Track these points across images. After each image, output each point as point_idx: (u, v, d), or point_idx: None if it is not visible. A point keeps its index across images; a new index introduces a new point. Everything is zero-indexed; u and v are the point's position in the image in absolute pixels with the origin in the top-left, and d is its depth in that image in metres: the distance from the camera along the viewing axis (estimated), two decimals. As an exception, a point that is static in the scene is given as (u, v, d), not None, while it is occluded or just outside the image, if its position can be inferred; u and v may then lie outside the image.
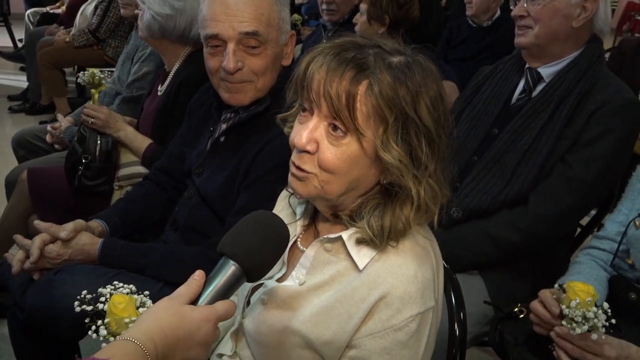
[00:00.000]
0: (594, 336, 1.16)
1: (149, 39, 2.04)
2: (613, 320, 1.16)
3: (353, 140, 0.88)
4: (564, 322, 1.18)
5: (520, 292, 1.57)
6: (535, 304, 1.28)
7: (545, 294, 1.26)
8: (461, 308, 1.23)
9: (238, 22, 1.34)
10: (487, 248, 1.56)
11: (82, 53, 4.16)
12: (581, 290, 1.16)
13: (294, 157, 0.93)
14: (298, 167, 0.92)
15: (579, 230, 1.89)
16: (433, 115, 0.88)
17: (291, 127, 0.97)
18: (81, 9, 4.24)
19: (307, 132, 0.89)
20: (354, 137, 0.88)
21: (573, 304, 1.15)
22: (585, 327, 1.15)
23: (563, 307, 1.17)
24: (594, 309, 1.15)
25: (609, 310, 1.16)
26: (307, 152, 0.90)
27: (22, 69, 5.48)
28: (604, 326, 1.15)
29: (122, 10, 2.81)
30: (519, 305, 1.39)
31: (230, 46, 1.35)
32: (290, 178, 0.95)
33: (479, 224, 1.58)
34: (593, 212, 1.90)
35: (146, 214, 1.66)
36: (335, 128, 0.88)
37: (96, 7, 4.11)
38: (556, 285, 1.27)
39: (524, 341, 1.33)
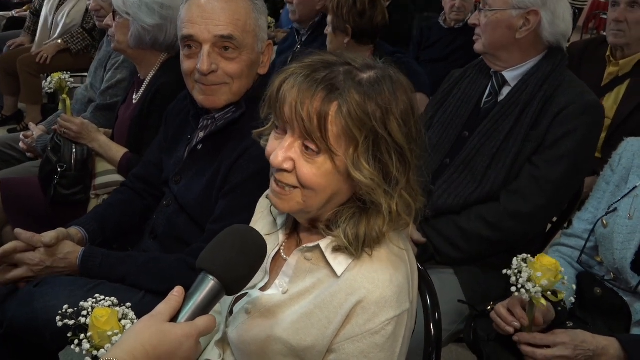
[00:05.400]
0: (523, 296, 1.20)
1: (129, 49, 2.00)
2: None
3: (327, 159, 0.90)
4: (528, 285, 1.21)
5: (494, 288, 1.61)
6: (500, 308, 1.33)
7: (515, 307, 1.31)
8: (436, 308, 1.26)
9: (214, 25, 1.37)
10: (457, 240, 1.61)
11: (76, 57, 4.03)
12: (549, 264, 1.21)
13: (275, 174, 0.95)
14: (279, 184, 0.94)
15: (549, 226, 1.95)
16: (404, 130, 0.90)
17: (267, 141, 0.99)
18: (43, 13, 4.10)
19: (283, 151, 0.91)
20: (327, 156, 0.90)
21: (539, 274, 1.19)
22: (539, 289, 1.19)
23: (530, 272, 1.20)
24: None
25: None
26: (285, 170, 0.92)
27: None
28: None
29: (97, 23, 2.76)
30: (492, 303, 1.43)
31: (205, 48, 1.37)
32: (271, 194, 0.97)
33: (451, 217, 1.63)
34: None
35: (124, 220, 1.65)
36: (308, 147, 0.90)
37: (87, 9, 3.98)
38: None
39: (495, 337, 1.38)
